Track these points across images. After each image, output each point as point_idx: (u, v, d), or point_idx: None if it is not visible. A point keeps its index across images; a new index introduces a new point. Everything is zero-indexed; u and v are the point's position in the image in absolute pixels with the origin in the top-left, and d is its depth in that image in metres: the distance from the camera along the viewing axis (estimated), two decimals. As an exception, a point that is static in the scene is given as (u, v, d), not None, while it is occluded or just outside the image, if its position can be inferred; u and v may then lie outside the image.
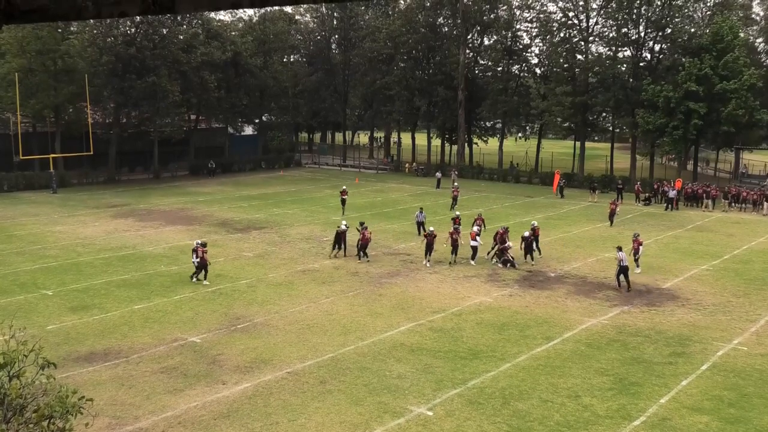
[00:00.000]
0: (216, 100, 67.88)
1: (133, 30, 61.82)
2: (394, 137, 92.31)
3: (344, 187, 45.17)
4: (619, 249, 28.47)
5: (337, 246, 33.31)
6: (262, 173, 70.54)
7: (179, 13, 4.06)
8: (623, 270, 27.85)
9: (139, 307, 25.50)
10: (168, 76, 61.33)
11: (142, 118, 64.47)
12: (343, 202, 43.92)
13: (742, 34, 60.45)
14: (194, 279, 28.53)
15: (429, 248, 31.97)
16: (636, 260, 30.80)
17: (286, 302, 26.19)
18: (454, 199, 47.89)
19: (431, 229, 32.81)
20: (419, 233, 36.40)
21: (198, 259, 28.44)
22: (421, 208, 38.47)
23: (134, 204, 49.69)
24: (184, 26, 66.15)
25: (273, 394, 18.07)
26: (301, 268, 31.29)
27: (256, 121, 79.59)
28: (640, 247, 30.60)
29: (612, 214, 41.34)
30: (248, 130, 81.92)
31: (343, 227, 33.40)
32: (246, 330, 22.93)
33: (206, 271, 28.61)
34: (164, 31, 62.93)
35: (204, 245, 28.75)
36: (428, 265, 31.74)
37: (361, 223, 33.44)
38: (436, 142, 79.10)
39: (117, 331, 22.81)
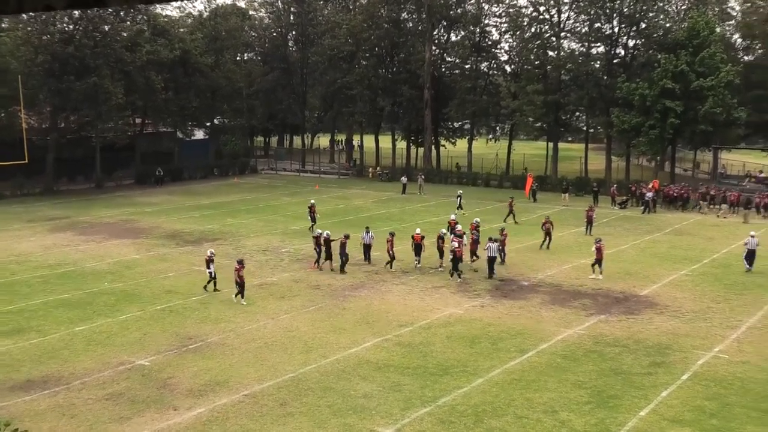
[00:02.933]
0: (163, 102, 67.34)
1: (71, 27, 61.04)
2: (356, 140, 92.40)
3: (312, 201, 44.54)
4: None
5: (327, 256, 32.86)
6: (215, 181, 70.07)
7: (110, 6, 4.07)
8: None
9: (81, 328, 25.13)
10: (110, 77, 60.64)
11: (83, 122, 63.56)
12: (313, 218, 42.64)
13: (718, 29, 61.79)
14: (234, 298, 28.12)
15: (418, 250, 33.13)
16: (593, 266, 31.56)
17: (242, 319, 26.04)
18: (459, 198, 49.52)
19: (418, 230, 34.19)
20: (366, 258, 34.28)
21: (237, 278, 27.85)
22: (368, 228, 35.73)
23: (75, 216, 48.97)
24: (128, 22, 65.54)
25: (229, 419, 17.95)
26: (258, 282, 31.13)
27: (208, 124, 79.11)
28: (600, 253, 31.29)
29: (589, 222, 41.37)
30: (199, 135, 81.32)
31: (326, 234, 33.17)
32: (199, 350, 22.74)
33: (242, 291, 27.99)
34: (106, 27, 62.27)
35: (242, 263, 28.41)
36: (418, 266, 33.16)
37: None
38: (402, 144, 79.35)
39: (57, 356, 22.45)
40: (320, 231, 33.63)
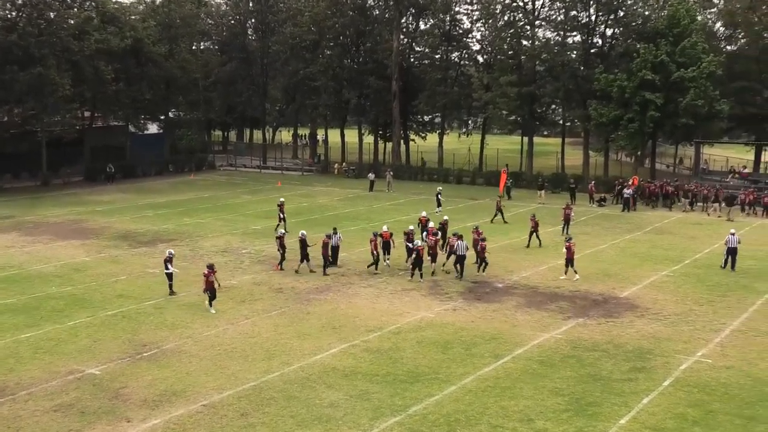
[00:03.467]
0: (114, 94, 66.63)
1: (14, 14, 60.17)
2: (320, 134, 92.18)
3: (282, 200, 44.33)
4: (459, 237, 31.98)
5: (302, 257, 32.78)
6: (170, 177, 69.52)
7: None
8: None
9: (27, 335, 24.78)
10: (57, 67, 59.82)
11: (27, 115, 62.67)
12: (282, 217, 42.36)
13: (699, 18, 62.64)
14: (211, 308, 27.40)
15: (387, 248, 33.42)
16: (566, 266, 31.98)
17: (200, 325, 25.86)
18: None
19: (385, 228, 34.36)
20: (332, 262, 33.76)
21: (206, 285, 27.27)
22: (335, 229, 35.34)
23: (19, 216, 48.28)
24: (75, 9, 64.81)
25: (187, 430, 17.82)
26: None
27: (162, 117, 78.44)
28: (570, 252, 31.71)
29: (566, 221, 41.52)
30: (152, 129, 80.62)
31: (301, 234, 33.12)
32: (154, 358, 22.55)
33: (212, 298, 27.52)
34: (51, 14, 61.44)
35: (212, 267, 27.56)
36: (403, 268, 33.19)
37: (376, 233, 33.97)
38: (369, 139, 79.42)
39: (1, 365, 22.11)
40: (303, 232, 33.37)
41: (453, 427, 17.93)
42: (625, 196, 50.77)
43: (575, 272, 31.81)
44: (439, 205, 49.32)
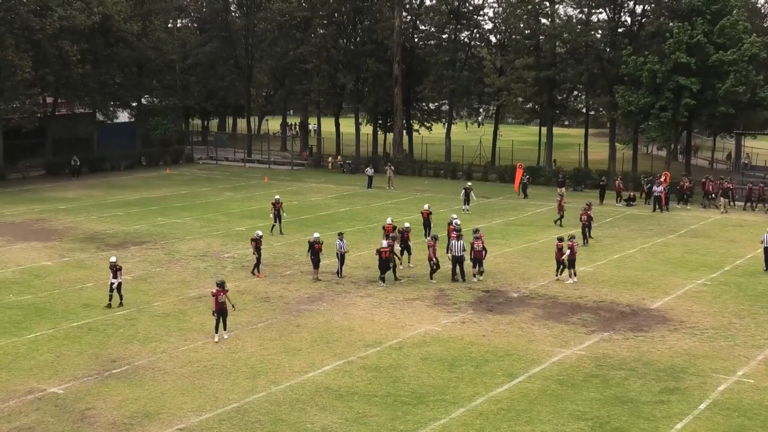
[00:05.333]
0: (80, 78, 66.56)
1: (-34, -14, 60.15)
2: (312, 124, 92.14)
3: (277, 197, 44.30)
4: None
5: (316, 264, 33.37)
6: (143, 172, 69.52)
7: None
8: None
9: (-19, 349, 24.82)
10: (16, 47, 59.81)
11: (-19, 102, 62.73)
12: (278, 217, 42.31)
13: (741, -7, 62.58)
14: (225, 334, 26.10)
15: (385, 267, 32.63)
16: (569, 268, 32.54)
17: (176, 338, 25.87)
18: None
19: (407, 225, 34.70)
20: (339, 272, 33.88)
21: (215, 306, 25.75)
22: (341, 234, 34.69)
23: (-28, 214, 48.34)
24: (36, -19, 64.77)
25: (161, 458, 17.83)
26: (195, 294, 31.01)
27: (134, 104, 78.36)
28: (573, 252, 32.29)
29: (588, 226, 40.66)
30: (123, 117, 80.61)
31: (315, 236, 33.56)
32: (124, 376, 22.54)
33: (224, 321, 25.94)
34: (9, -13, 61.51)
35: (223, 285, 26.05)
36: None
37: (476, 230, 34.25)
38: (367, 129, 79.37)
39: (-49, 383, 22.15)
40: (317, 234, 33.51)
41: (461, 454, 17.93)
42: (655, 194, 50.69)
43: (574, 275, 32.38)
44: (467, 202, 49.54)
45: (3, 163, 64.70)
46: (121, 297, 29.31)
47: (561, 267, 32.80)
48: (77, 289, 31.77)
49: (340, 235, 34.60)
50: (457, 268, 32.65)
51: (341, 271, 33.71)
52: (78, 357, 24.15)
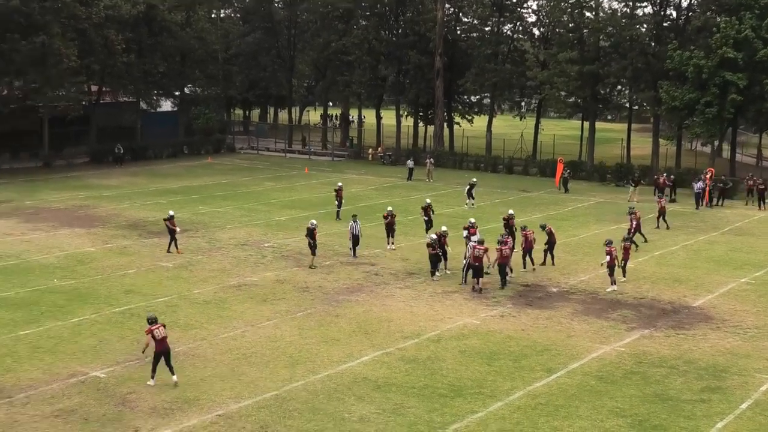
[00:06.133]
0: (124, 67, 67.17)
1: (16, -25, 60.89)
2: (353, 115, 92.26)
3: (340, 184, 46.06)
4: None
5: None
6: (185, 161, 70.08)
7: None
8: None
9: (26, 332, 25.19)
10: (62, 36, 60.48)
11: (29, 89, 63.45)
12: (340, 203, 44.50)
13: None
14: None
15: (436, 260, 32.34)
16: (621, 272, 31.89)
17: (217, 326, 26.09)
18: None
19: (444, 228, 33.34)
20: (353, 252, 35.39)
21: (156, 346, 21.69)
22: (355, 216, 36.07)
23: (18, 200, 49.04)
24: (83, -29, 65.46)
25: (200, 443, 18.02)
26: (235, 282, 31.22)
27: (177, 93, 78.99)
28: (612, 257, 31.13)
29: (662, 214, 42.57)
30: (166, 106, 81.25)
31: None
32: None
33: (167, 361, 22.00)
34: (57, -23, 62.18)
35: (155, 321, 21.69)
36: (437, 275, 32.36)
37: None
38: (408, 121, 79.32)
39: (-4, 365, 22.57)
40: (444, 228, 33.57)
41: (499, 448, 17.92)
42: (696, 190, 50.10)
43: (614, 283, 31.06)
44: (470, 197, 48.93)
45: (48, 151, 65.58)
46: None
47: (622, 267, 32.01)
48: (120, 275, 32.15)
49: (354, 217, 35.62)
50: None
51: (355, 252, 35.10)
52: (120, 342, 24.47)
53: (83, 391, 20.77)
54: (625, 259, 32.04)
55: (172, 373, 20.98)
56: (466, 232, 33.60)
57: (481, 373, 22.32)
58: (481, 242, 31.08)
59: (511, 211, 38.24)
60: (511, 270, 31.98)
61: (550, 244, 34.33)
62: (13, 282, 30.88)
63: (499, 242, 31.13)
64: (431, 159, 62.43)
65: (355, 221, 35.52)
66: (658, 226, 41.67)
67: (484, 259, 30.41)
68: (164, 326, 21.30)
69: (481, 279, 30.49)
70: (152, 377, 21.09)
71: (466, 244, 32.11)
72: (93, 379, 21.53)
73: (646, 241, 38.78)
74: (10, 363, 22.65)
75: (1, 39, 58.56)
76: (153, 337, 20.85)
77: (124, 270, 32.90)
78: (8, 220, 42.84)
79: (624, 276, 32.07)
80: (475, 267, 30.30)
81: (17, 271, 32.61)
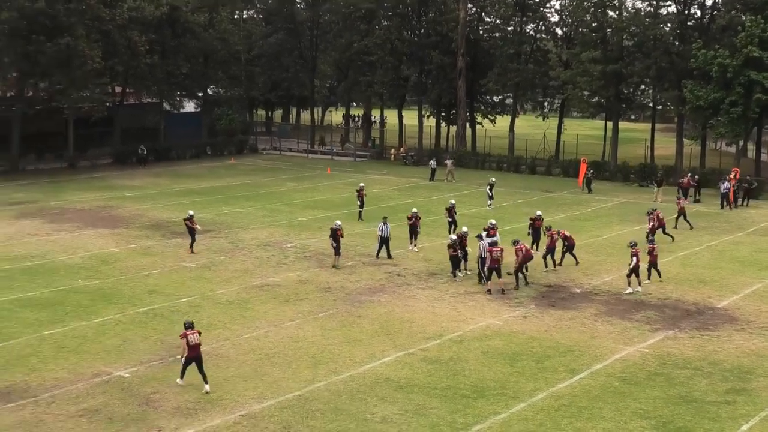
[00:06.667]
0: (148, 68, 67.59)
1: (41, -22, 61.37)
2: (375, 115, 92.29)
3: (362, 185, 45.96)
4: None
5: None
6: (208, 161, 70.37)
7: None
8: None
9: (51, 332, 25.39)
10: (86, 38, 60.86)
11: (54, 90, 63.98)
12: (362, 203, 44.57)
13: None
14: None
15: (456, 261, 32.18)
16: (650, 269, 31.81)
17: (239, 326, 26.19)
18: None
19: (465, 230, 33.15)
20: (380, 252, 35.23)
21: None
22: (385, 218, 35.98)
23: (43, 200, 49.42)
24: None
25: (223, 443, 18.09)
26: (258, 283, 31.32)
27: (200, 94, 79.36)
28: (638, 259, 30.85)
29: (681, 214, 42.46)
30: (189, 107, 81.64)
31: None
32: (188, 362, 22.91)
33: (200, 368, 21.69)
34: (81, -21, 62.62)
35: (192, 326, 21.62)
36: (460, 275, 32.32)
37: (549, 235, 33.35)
38: (430, 122, 79.27)
39: (22, 364, 22.71)
40: (465, 229, 33.76)
41: (522, 449, 17.88)
42: (722, 191, 49.75)
43: (639, 284, 30.77)
44: (490, 197, 48.65)
45: (73, 152, 66.07)
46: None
47: (655, 269, 31.88)
48: (143, 275, 32.34)
49: (384, 219, 35.66)
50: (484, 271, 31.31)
51: (380, 253, 35.23)
52: (143, 342, 24.62)
53: (107, 390, 20.92)
54: (653, 260, 31.74)
55: (205, 382, 20.81)
56: (485, 233, 33.24)
57: (503, 374, 22.27)
58: (494, 243, 31.16)
59: (538, 212, 38.01)
60: (527, 269, 32.16)
61: (569, 246, 34.16)
62: (38, 282, 31.15)
63: (515, 243, 31.43)
64: (451, 160, 62.15)
65: (384, 223, 35.34)
66: (675, 227, 41.27)
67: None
68: (199, 333, 21.18)
69: (501, 279, 30.41)
70: (181, 377, 21.15)
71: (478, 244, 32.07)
72: (117, 379, 21.68)
73: (672, 240, 38.58)
74: (36, 362, 22.84)
75: (26, 41, 59.02)
76: (187, 342, 20.76)
77: (147, 270, 33.09)
78: (33, 221, 43.20)
79: (660, 277, 31.77)
80: (494, 269, 30.18)
81: (42, 271, 32.88)
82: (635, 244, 30.95)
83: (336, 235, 33.55)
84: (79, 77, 61.49)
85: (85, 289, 30.38)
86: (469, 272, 32.64)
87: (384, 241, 35.19)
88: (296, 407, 19.92)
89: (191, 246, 36.07)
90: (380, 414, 19.58)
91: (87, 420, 19.17)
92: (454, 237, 32.52)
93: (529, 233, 36.43)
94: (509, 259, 31.79)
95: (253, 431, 18.62)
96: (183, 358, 21.12)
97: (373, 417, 19.41)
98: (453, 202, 41.12)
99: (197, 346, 20.86)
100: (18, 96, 63.48)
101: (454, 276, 32.09)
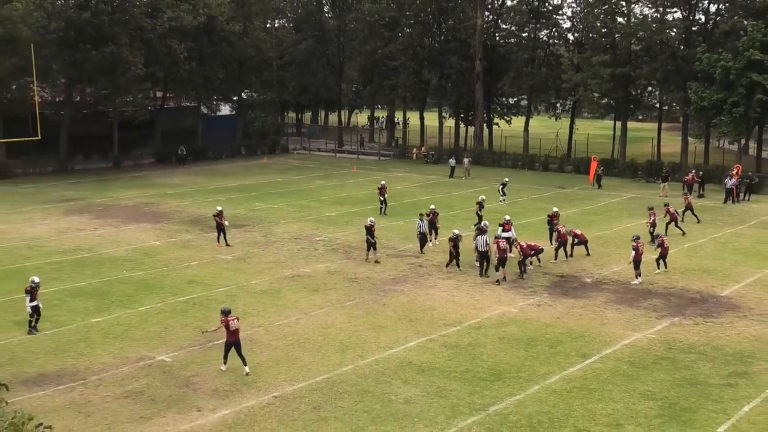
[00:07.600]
0: (186, 74, 67.95)
1: (87, -9, 61.82)
2: (398, 117, 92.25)
3: (383, 182, 45.55)
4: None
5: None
6: (242, 161, 70.68)
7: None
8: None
9: (98, 320, 25.67)
10: (129, 46, 61.35)
11: (99, 95, 64.53)
12: (383, 201, 44.14)
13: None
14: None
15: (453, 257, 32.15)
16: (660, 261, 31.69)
17: (272, 314, 26.33)
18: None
19: (456, 232, 32.55)
20: (423, 248, 34.94)
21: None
22: (422, 214, 35.77)
23: (90, 198, 49.87)
24: (148, -15, 66.25)
25: (257, 422, 18.20)
26: (289, 273, 31.44)
27: (235, 98, 79.67)
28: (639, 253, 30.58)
29: (688, 208, 42.00)
30: (225, 110, 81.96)
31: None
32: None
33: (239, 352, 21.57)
34: (124, -9, 63.00)
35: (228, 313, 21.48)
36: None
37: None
38: (450, 123, 79.17)
39: (72, 349, 22.98)
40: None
41: (536, 428, 17.86)
42: (728, 186, 49.38)
43: (638, 275, 30.51)
44: (503, 193, 48.18)
45: (117, 152, 66.61)
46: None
47: (659, 262, 31.81)
48: (183, 267, 32.56)
49: (421, 215, 35.53)
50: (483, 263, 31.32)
51: (423, 248, 34.98)
52: (184, 329, 24.81)
53: (150, 374, 21.12)
54: (664, 252, 31.65)
55: (244, 364, 20.93)
56: (500, 228, 33.12)
57: (519, 359, 22.26)
58: (508, 239, 31.34)
59: (555, 209, 37.78)
60: (540, 261, 32.31)
61: (580, 241, 34.14)
62: (86, 273, 31.46)
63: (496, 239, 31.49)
64: (469, 158, 62.02)
65: (421, 219, 35.14)
66: (682, 220, 40.99)
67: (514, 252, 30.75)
68: (238, 319, 21.28)
69: (502, 269, 30.26)
70: (224, 363, 21.24)
71: (475, 238, 31.94)
72: (159, 363, 21.87)
73: (684, 234, 38.33)
74: (84, 348, 23.10)
75: (74, 49, 59.56)
76: (227, 327, 20.84)
77: (187, 262, 33.30)
78: (81, 216, 43.60)
79: (666, 268, 31.67)
80: (500, 259, 30.06)
81: (90, 263, 33.21)
82: (638, 238, 30.87)
83: (371, 231, 33.29)
84: (123, 83, 61.99)
85: (129, 279, 30.65)
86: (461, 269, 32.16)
87: (423, 237, 35.02)
88: (325, 389, 20.01)
89: (218, 240, 36.15)
90: (404, 395, 19.63)
91: (132, 401, 19.37)
92: (456, 231, 32.37)
93: (548, 229, 36.22)
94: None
95: (285, 411, 18.73)
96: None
97: (397, 398, 19.47)
98: (483, 197, 40.95)
99: (236, 331, 20.99)
100: (66, 101, 64.05)
101: (447, 266, 31.96)
